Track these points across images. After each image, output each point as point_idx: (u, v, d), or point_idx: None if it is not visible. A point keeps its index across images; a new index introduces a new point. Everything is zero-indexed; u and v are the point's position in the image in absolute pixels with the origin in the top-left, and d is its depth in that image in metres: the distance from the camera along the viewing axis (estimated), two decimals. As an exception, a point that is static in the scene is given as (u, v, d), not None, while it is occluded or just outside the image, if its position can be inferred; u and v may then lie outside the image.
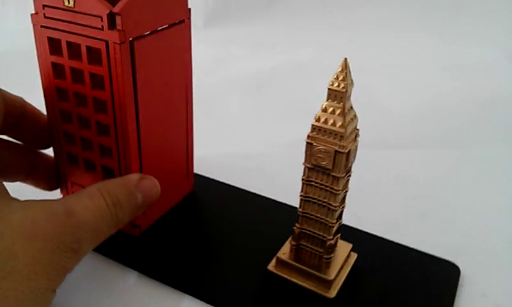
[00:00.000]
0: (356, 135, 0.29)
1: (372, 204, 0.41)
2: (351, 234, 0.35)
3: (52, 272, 0.24)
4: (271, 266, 0.32)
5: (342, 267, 0.32)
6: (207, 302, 0.31)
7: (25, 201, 0.26)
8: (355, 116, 0.28)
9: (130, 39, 0.30)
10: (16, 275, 0.23)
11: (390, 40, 0.77)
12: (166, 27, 0.33)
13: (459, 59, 0.71)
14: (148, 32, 0.31)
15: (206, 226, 0.37)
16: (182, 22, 0.34)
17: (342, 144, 0.27)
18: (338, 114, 0.27)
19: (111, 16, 0.28)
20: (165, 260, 0.33)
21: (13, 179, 0.34)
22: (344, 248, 0.33)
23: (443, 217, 0.39)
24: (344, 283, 0.31)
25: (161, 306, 0.31)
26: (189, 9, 0.34)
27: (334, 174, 0.28)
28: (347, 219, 0.34)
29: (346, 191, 0.30)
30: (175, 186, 0.38)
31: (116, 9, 0.28)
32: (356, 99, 0.59)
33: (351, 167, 0.29)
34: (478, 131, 0.54)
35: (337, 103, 0.27)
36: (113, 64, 0.30)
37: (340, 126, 0.27)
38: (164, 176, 0.35)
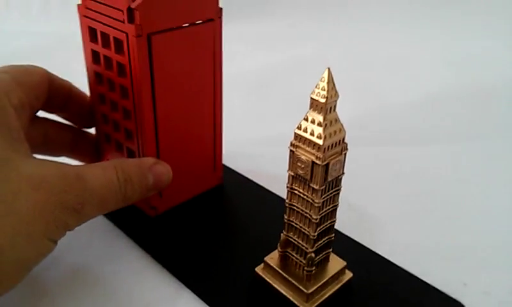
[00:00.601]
0: (343, 149, 0.27)
1: (374, 201, 0.41)
2: (356, 250, 0.34)
3: (51, 223, 0.26)
4: (259, 268, 0.32)
5: (328, 283, 0.31)
6: (192, 290, 0.32)
7: (42, 159, 0.29)
8: (341, 129, 0.27)
9: (148, 33, 0.32)
10: (15, 216, 0.25)
11: (392, 34, 0.76)
12: (191, 25, 0.34)
13: (462, 53, 0.71)
14: (169, 28, 0.33)
15: (221, 220, 0.38)
16: (211, 20, 0.35)
17: (319, 155, 0.26)
18: (318, 125, 0.26)
19: (130, 11, 0.31)
20: (170, 245, 0.35)
21: (58, 154, 0.39)
22: (336, 264, 0.31)
23: (446, 214, 0.39)
24: (329, 300, 0.30)
25: (159, 289, 0.33)
26: (220, 8, 0.35)
27: (312, 185, 0.27)
28: (350, 218, 0.36)
29: (335, 206, 0.29)
30: (197, 177, 0.39)
31: (133, 5, 0.31)
32: (359, 95, 0.59)
33: (337, 182, 0.28)
34: (482, 125, 0.54)
35: (317, 113, 0.26)
36: (131, 55, 0.32)
37: (317, 137, 0.26)
38: (184, 166, 0.37)
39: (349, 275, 0.32)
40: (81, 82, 0.54)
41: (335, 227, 0.30)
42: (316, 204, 0.27)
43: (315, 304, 0.30)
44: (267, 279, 0.31)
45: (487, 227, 0.38)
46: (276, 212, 0.37)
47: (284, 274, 0.30)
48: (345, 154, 0.28)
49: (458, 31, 0.77)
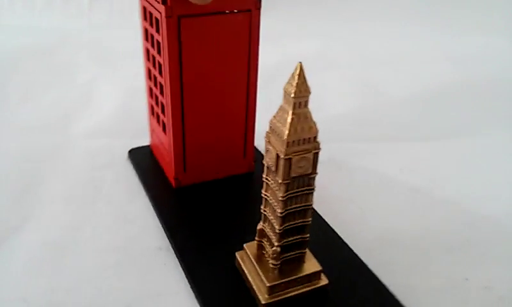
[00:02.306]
0: (314, 148, 0.27)
1: (377, 196, 0.41)
2: (347, 259, 0.33)
3: None
4: (239, 253, 0.33)
5: (295, 282, 0.30)
6: (179, 260, 0.34)
7: None
8: (312, 127, 0.26)
9: (178, 15, 0.34)
10: None
11: (393, 31, 0.77)
12: (225, 13, 0.36)
13: (463, 49, 0.72)
14: (201, 13, 0.35)
15: (238, 205, 0.39)
16: (247, 10, 0.36)
17: (282, 148, 0.26)
18: (285, 118, 0.26)
19: None
20: (179, 215, 0.38)
21: None
22: (310, 266, 0.31)
23: (447, 209, 0.40)
24: (295, 300, 0.30)
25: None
26: (259, 0, 0.36)
27: (277, 178, 0.27)
28: (351, 213, 0.37)
29: (308, 206, 0.29)
30: (224, 159, 0.41)
31: (166, -14, 0.33)
32: (361, 91, 0.61)
33: (309, 181, 0.28)
34: (483, 121, 0.54)
35: (288, 106, 0.26)
36: (163, 35, 0.35)
37: (282, 130, 0.26)
38: (210, 145, 0.39)
39: (324, 281, 0.31)
40: (85, 77, 0.58)
41: (337, 229, 0.31)
42: (280, 198, 0.27)
43: (276, 300, 0.30)
44: (242, 265, 0.32)
45: (488, 222, 0.38)
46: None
47: (255, 263, 0.31)
48: (315, 153, 0.27)
49: (458, 27, 0.77)
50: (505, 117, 0.55)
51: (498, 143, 0.49)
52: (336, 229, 0.36)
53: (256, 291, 0.30)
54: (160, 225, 0.37)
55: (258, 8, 0.37)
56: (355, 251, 0.34)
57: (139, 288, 0.32)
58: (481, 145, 0.49)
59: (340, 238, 0.36)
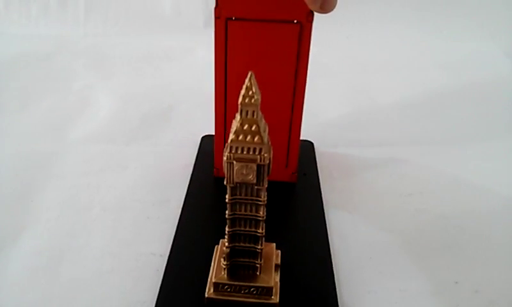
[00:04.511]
0: (260, 160, 0.27)
1: (367, 201, 0.42)
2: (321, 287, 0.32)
3: None
4: (216, 246, 0.34)
5: (241, 288, 0.31)
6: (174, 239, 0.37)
7: None
8: (259, 140, 0.27)
9: (226, 17, 0.37)
10: None
11: (386, 38, 0.78)
12: (275, 21, 0.37)
13: (455, 54, 0.74)
14: (250, 18, 0.37)
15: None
16: (298, 22, 0.37)
17: (225, 152, 0.27)
18: (233, 125, 0.27)
19: None
20: (199, 200, 0.41)
21: None
22: (263, 280, 0.31)
23: (438, 213, 0.41)
24: (239, 304, 0.31)
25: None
26: (311, 12, 0.36)
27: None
28: (342, 218, 0.39)
29: (258, 217, 0.29)
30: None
31: (218, -11, 0.36)
32: (353, 96, 0.63)
33: (257, 192, 0.28)
34: (475, 126, 0.55)
35: (238, 114, 0.27)
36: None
37: (230, 132, 0.27)
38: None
39: (274, 300, 0.31)
40: (81, 84, 0.61)
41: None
42: (226, 200, 0.28)
43: (219, 298, 0.31)
44: (213, 255, 0.33)
45: (478, 226, 0.39)
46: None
47: (216, 258, 0.32)
48: (261, 166, 0.27)
49: (449, 33, 0.79)
50: (496, 123, 0.56)
51: (489, 149, 0.50)
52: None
53: (208, 284, 0.31)
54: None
55: (310, 21, 0.37)
56: (349, 253, 0.36)
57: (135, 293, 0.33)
58: (472, 151, 0.50)
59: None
